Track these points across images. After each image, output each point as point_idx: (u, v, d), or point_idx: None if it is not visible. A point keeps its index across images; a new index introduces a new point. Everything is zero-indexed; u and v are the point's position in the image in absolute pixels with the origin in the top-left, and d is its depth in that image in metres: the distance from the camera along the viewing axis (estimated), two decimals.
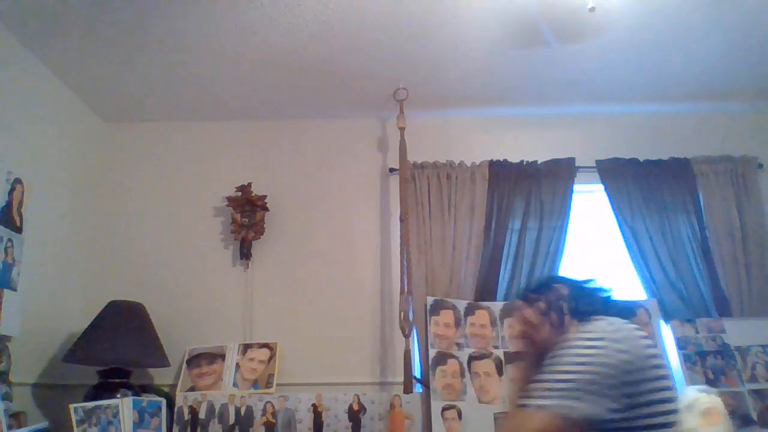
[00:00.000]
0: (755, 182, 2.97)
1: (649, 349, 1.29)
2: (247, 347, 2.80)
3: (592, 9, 2.09)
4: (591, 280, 1.52)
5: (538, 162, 3.03)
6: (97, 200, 3.10)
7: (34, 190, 2.49)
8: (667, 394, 1.26)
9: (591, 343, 1.27)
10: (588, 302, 1.44)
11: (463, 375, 2.62)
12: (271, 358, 2.75)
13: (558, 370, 1.26)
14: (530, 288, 1.57)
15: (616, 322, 1.33)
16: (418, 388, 2.65)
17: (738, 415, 2.45)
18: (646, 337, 1.32)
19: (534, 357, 1.44)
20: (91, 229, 3.05)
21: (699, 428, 1.17)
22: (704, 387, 1.28)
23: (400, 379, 2.61)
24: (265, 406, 2.58)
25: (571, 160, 3.03)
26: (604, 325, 1.32)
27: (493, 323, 2.74)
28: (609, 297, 1.48)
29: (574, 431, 1.20)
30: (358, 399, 2.60)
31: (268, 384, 2.67)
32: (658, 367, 1.28)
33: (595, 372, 1.22)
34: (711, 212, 2.91)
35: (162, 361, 2.68)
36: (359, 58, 2.70)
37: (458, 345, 2.69)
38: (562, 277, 1.58)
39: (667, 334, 2.68)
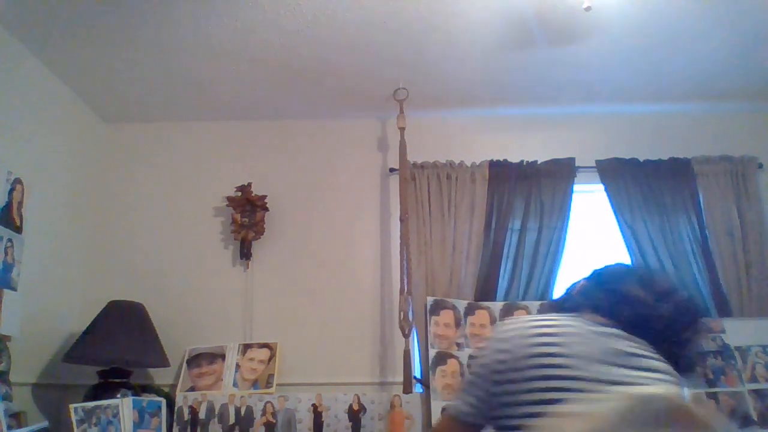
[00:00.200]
0: (755, 182, 2.97)
1: (540, 348, 1.15)
2: (247, 347, 2.80)
3: (588, 9, 2.09)
4: (599, 272, 1.40)
5: (538, 162, 3.03)
6: (97, 200, 3.10)
7: (34, 190, 2.49)
8: (547, 396, 1.10)
9: (482, 344, 1.28)
10: (576, 300, 1.37)
11: (463, 375, 2.62)
12: (271, 358, 2.75)
13: None
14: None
15: (523, 319, 1.26)
16: (418, 388, 2.65)
17: (738, 415, 2.45)
18: (552, 335, 1.17)
19: None
20: (91, 229, 3.05)
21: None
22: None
23: (400, 379, 2.61)
24: (265, 406, 2.58)
25: (571, 160, 3.03)
26: (507, 323, 1.26)
27: (493, 323, 2.74)
28: (610, 289, 1.31)
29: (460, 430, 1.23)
30: (358, 399, 2.60)
31: (268, 384, 2.67)
32: (544, 366, 1.13)
33: (472, 372, 1.24)
34: (711, 212, 2.91)
35: (162, 361, 2.68)
36: (359, 58, 2.70)
37: (458, 345, 2.69)
38: (592, 272, 1.44)
39: None
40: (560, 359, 1.13)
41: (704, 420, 0.92)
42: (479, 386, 1.20)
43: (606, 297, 1.29)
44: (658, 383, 1.11)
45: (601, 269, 1.40)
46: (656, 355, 1.18)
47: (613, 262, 1.44)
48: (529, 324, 1.22)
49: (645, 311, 1.24)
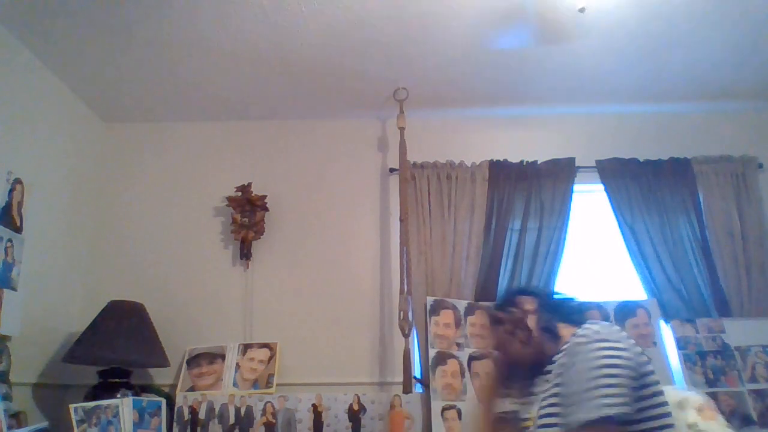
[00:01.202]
0: (755, 182, 2.96)
1: (640, 348, 1.33)
2: (247, 347, 2.80)
3: (582, 10, 2.09)
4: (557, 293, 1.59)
5: (538, 162, 3.03)
6: (97, 200, 3.10)
7: (34, 190, 2.49)
8: (660, 391, 1.29)
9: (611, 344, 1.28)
10: (556, 314, 1.47)
11: (463, 375, 2.62)
12: (271, 358, 2.75)
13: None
14: (497, 304, 1.58)
15: (609, 325, 1.35)
16: (418, 388, 2.65)
17: (738, 415, 2.45)
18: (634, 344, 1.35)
19: (506, 369, 1.51)
20: (91, 229, 3.05)
21: (698, 423, 1.17)
22: (690, 388, 1.33)
23: (400, 379, 2.61)
24: (265, 406, 2.58)
25: (571, 160, 3.03)
26: (609, 328, 1.32)
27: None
28: (575, 306, 1.51)
29: None
30: (358, 399, 2.60)
31: (268, 384, 2.67)
32: (646, 364, 1.31)
33: (616, 374, 1.23)
34: (711, 212, 2.91)
35: (162, 361, 2.68)
36: (359, 58, 2.70)
37: (458, 345, 2.69)
38: (531, 290, 1.62)
39: (667, 334, 2.68)
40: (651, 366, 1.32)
41: None
42: (628, 386, 1.23)
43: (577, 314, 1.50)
44: None
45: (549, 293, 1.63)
46: None
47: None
48: (615, 328, 1.33)
49: None
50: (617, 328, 1.33)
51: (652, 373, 1.28)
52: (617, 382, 1.21)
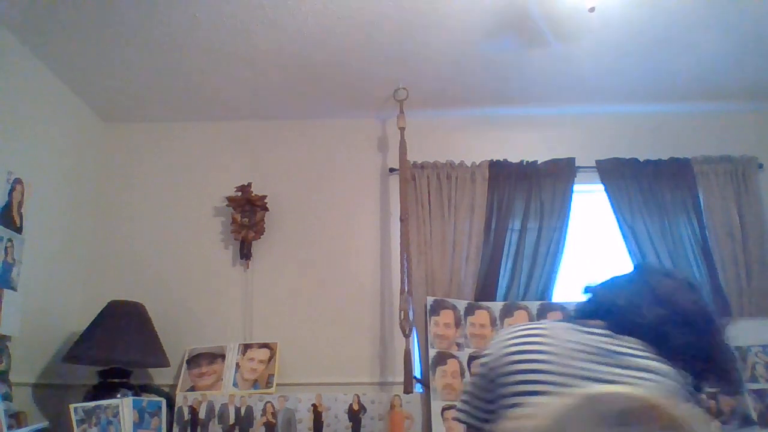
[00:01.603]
0: (755, 182, 2.96)
1: (519, 347, 1.17)
2: (247, 347, 2.80)
3: (592, 9, 2.09)
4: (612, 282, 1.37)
5: (538, 162, 3.03)
6: (97, 200, 3.10)
7: (34, 190, 2.49)
8: (527, 388, 1.12)
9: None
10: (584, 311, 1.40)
11: (463, 375, 2.62)
12: (271, 358, 2.75)
13: None
14: None
15: (510, 326, 1.31)
16: (418, 388, 2.65)
17: (738, 415, 2.45)
18: (532, 336, 1.18)
19: None
20: (91, 229, 3.05)
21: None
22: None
23: (400, 379, 2.61)
24: (265, 406, 2.58)
25: (571, 160, 3.03)
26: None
27: (493, 323, 2.74)
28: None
29: None
30: (358, 399, 2.60)
31: (268, 384, 2.67)
32: (522, 362, 1.15)
33: (472, 382, 1.29)
34: (711, 212, 2.91)
35: (162, 361, 2.68)
36: (359, 58, 2.70)
37: (458, 345, 2.69)
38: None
39: None
40: (538, 355, 1.14)
41: (674, 419, 0.85)
42: (472, 393, 1.25)
43: (614, 308, 1.24)
44: (643, 382, 1.07)
45: (613, 278, 1.35)
46: (654, 356, 1.13)
47: (618, 272, 1.37)
48: (511, 329, 1.26)
49: (637, 319, 1.19)
50: (511, 330, 1.23)
51: (519, 372, 1.13)
52: (465, 389, 1.29)
